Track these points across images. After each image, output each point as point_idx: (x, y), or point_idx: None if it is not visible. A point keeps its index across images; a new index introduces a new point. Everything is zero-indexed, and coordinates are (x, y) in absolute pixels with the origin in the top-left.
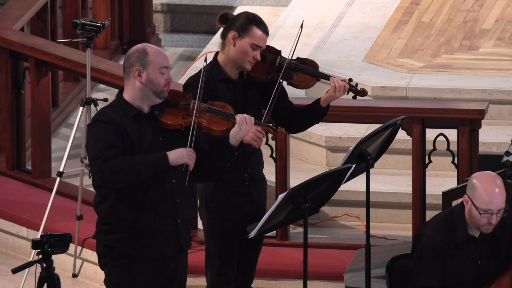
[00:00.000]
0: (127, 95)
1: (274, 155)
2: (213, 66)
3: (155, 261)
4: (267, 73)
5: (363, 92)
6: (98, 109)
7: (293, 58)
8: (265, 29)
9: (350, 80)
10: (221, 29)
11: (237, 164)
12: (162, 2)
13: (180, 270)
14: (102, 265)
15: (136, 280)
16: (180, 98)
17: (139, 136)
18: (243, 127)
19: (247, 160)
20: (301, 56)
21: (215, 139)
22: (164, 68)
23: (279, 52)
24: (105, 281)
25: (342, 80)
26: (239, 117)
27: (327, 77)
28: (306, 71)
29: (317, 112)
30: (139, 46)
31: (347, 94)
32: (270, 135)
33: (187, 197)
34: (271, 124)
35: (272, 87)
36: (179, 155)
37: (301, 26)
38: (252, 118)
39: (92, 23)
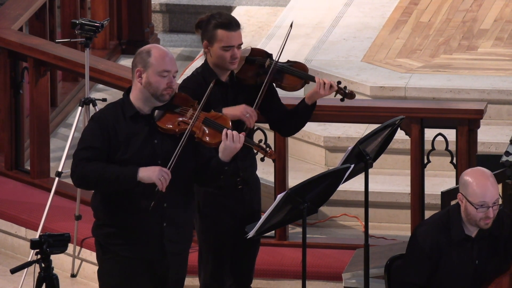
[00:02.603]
0: (131, 95)
1: None
2: (205, 69)
3: (140, 261)
4: (255, 76)
5: (351, 95)
6: (98, 109)
7: (283, 61)
8: (232, 28)
9: (339, 82)
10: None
11: (229, 168)
12: (160, 2)
13: (174, 270)
14: (97, 258)
15: (125, 276)
16: (183, 104)
17: (131, 137)
18: (229, 144)
19: (239, 164)
20: (300, 56)
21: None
22: (165, 71)
23: (269, 55)
24: (98, 275)
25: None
26: (225, 131)
27: (314, 79)
28: (294, 73)
29: (302, 111)
30: (146, 46)
31: (335, 96)
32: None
33: (177, 201)
34: (263, 145)
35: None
36: (150, 174)
37: (291, 25)
38: (242, 136)
39: (90, 23)
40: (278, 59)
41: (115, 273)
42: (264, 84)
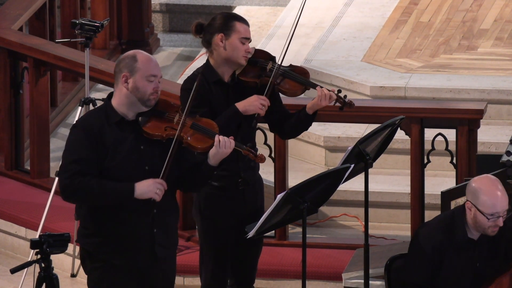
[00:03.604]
0: (114, 101)
1: (272, 155)
2: (206, 69)
3: (131, 269)
4: (257, 78)
5: (350, 104)
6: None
7: (285, 65)
8: (246, 22)
9: (339, 91)
10: (202, 38)
11: (230, 169)
12: (160, 2)
13: (162, 277)
14: (83, 267)
15: (115, 284)
16: (168, 110)
17: (117, 143)
18: (221, 150)
19: (240, 165)
20: (300, 56)
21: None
22: (152, 76)
23: (272, 57)
24: (87, 283)
25: (330, 90)
26: (218, 138)
27: (315, 86)
28: (295, 78)
29: (303, 119)
30: (130, 52)
31: (334, 104)
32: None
33: (166, 207)
34: (251, 149)
35: (263, 92)
36: (146, 191)
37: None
38: (233, 141)
39: (90, 23)
40: (281, 63)
41: (105, 282)
42: (267, 88)
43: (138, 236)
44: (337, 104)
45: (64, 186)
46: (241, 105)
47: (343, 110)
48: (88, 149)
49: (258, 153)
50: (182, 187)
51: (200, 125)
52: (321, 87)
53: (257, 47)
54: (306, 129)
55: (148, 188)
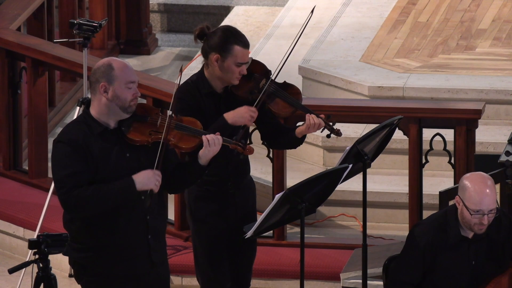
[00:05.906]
0: (93, 111)
1: (271, 155)
2: (199, 79)
3: (128, 278)
4: (249, 93)
5: (337, 133)
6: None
7: (279, 82)
8: (245, 44)
9: (329, 116)
10: (202, 45)
11: (220, 174)
12: (158, 2)
13: (159, 281)
14: (77, 279)
15: None
16: (148, 114)
17: (105, 153)
18: (211, 148)
19: (230, 170)
20: (298, 56)
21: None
22: (131, 82)
23: (268, 71)
24: None
25: (319, 117)
26: (206, 138)
27: (305, 110)
28: (286, 99)
29: (292, 140)
30: (104, 60)
31: (322, 131)
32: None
33: (157, 212)
34: (239, 143)
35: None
36: (146, 182)
37: (312, 11)
38: (220, 137)
39: (88, 23)
40: (275, 78)
41: None
42: (257, 103)
43: (134, 244)
44: (325, 130)
45: (64, 201)
46: (230, 116)
47: (329, 137)
48: (78, 162)
49: (246, 145)
50: (168, 189)
51: (184, 125)
52: (311, 113)
53: (255, 47)
54: (295, 148)
55: (149, 179)
